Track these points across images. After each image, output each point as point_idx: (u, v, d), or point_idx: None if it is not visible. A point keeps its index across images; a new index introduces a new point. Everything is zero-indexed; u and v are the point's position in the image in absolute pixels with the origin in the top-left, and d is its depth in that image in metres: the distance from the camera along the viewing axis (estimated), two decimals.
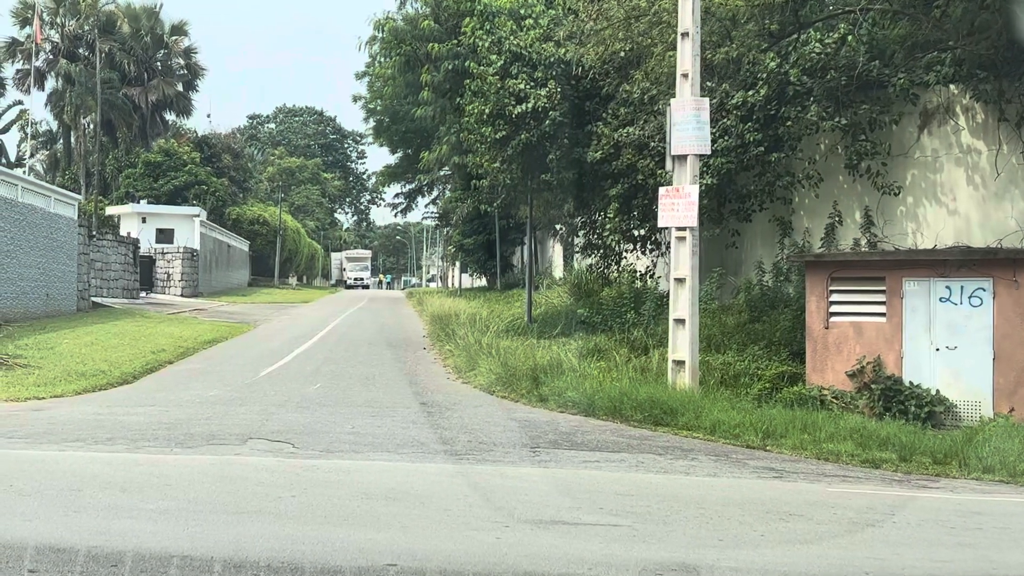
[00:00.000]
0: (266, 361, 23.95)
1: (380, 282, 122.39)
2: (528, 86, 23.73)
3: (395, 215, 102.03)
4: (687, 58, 16.93)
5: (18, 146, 77.91)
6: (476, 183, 29.62)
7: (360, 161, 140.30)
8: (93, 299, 40.33)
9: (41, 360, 21.37)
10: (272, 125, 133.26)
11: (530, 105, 23.45)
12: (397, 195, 78.32)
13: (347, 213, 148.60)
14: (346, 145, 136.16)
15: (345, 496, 9.00)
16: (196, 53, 77.11)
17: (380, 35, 40.81)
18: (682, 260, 16.87)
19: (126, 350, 24.56)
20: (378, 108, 54.38)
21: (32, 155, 73.03)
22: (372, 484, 9.74)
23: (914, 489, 11.08)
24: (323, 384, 19.80)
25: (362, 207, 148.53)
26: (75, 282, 37.00)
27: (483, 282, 65.46)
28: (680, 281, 16.87)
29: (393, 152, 61.15)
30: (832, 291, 16.83)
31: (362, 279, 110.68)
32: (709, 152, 17.66)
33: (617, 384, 16.95)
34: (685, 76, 16.96)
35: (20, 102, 74.17)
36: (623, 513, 8.60)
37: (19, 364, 20.45)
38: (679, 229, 16.93)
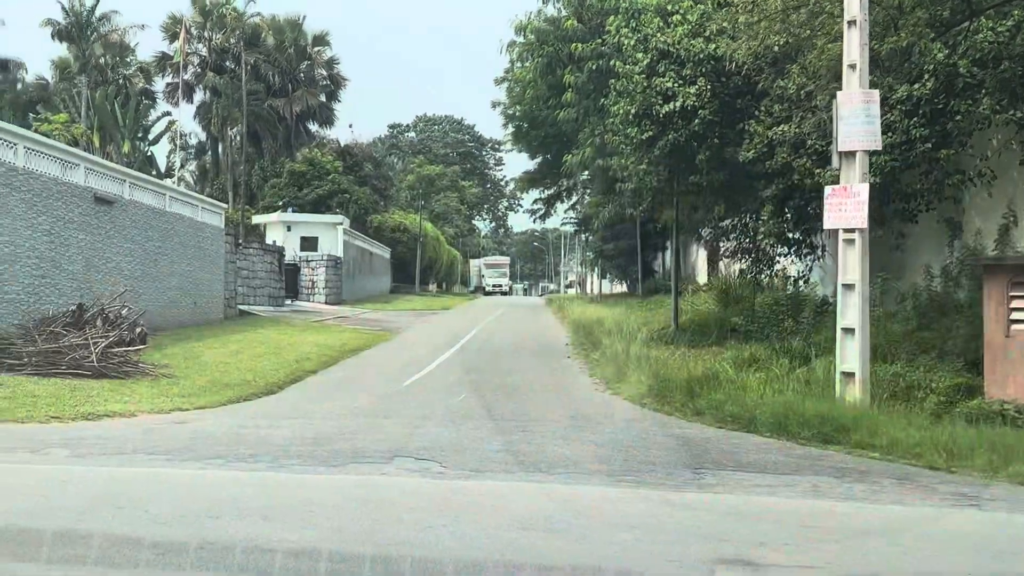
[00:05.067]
0: (409, 370, 23.58)
1: (511, 288, 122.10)
2: (676, 84, 22.91)
3: (534, 221, 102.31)
4: (854, 47, 15.81)
5: (167, 157, 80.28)
6: (619, 186, 28.95)
7: (497, 168, 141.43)
8: (239, 307, 40.85)
9: (186, 369, 21.36)
10: (412, 134, 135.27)
11: (678, 104, 22.64)
12: (536, 201, 78.39)
13: (485, 220, 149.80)
14: (484, 152, 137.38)
15: (501, 525, 8.28)
16: (338, 64, 78.47)
17: (520, 38, 40.61)
18: (851, 264, 15.71)
19: (270, 359, 24.52)
20: (517, 113, 54.06)
21: (182, 166, 75.03)
22: (528, 511, 8.99)
23: None
24: (467, 395, 19.24)
25: (499, 214, 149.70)
26: (222, 290, 37.45)
27: (622, 288, 64.70)
28: (849, 287, 15.71)
29: (532, 158, 60.99)
30: (1013, 297, 15.41)
31: (501, 285, 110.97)
32: (880, 147, 16.45)
33: (780, 397, 15.89)
34: (852, 67, 15.83)
35: (168, 114, 76.48)
36: (813, 550, 7.63)
37: (164, 374, 20.45)
38: (847, 231, 15.77)
